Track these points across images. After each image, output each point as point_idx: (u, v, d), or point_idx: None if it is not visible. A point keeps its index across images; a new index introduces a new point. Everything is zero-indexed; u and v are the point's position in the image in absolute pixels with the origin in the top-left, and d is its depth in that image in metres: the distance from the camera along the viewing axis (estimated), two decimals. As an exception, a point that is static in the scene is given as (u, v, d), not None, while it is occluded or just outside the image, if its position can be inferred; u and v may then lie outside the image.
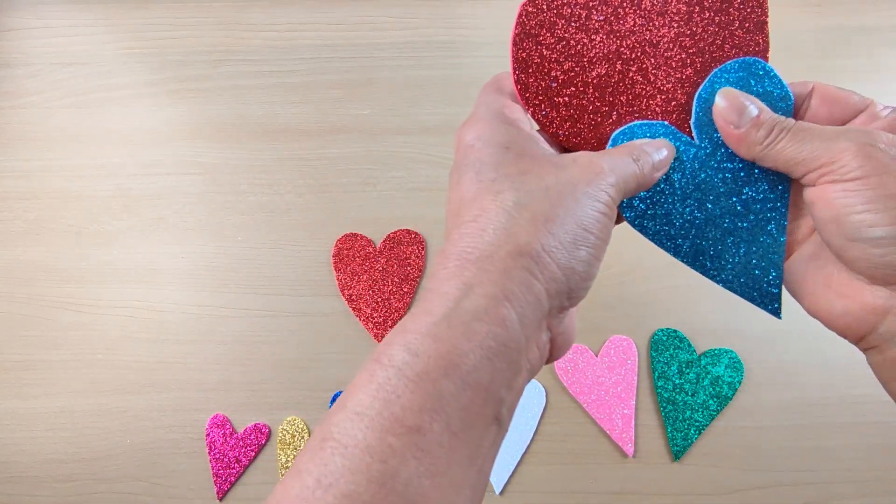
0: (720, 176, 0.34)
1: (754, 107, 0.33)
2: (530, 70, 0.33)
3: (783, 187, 0.34)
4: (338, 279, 0.66)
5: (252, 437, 0.62)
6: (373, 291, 0.65)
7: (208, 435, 0.62)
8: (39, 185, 0.70)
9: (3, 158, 0.71)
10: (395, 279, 0.66)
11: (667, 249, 0.36)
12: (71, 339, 0.66)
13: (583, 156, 0.31)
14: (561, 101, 0.33)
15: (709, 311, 0.64)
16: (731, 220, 0.34)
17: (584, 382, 0.62)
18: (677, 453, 0.60)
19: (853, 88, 0.68)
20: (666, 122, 0.34)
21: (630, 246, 0.66)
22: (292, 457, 0.61)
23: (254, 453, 0.62)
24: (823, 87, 0.34)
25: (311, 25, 0.75)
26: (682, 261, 0.36)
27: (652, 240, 0.35)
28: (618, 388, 0.62)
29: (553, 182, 0.29)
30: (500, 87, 0.34)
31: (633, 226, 0.35)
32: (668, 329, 0.63)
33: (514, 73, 0.33)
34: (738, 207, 0.34)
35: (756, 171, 0.34)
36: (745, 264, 0.35)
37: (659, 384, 0.61)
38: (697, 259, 0.36)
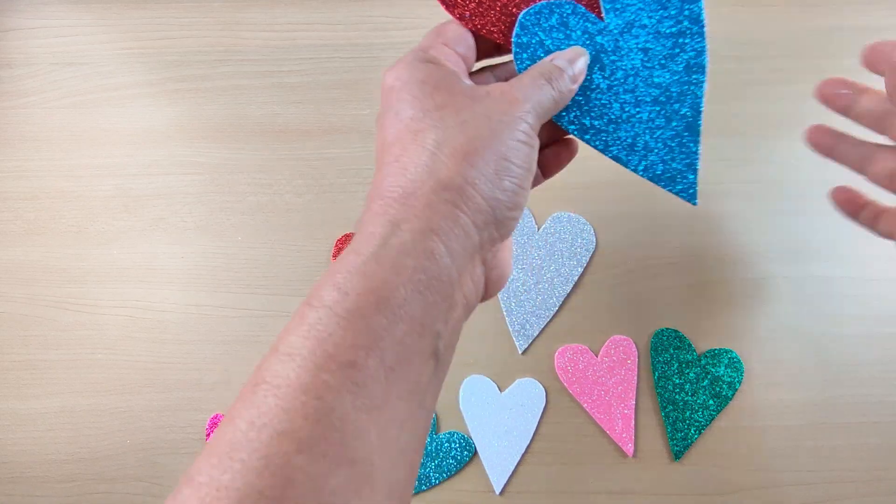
0: (635, 57, 0.34)
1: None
2: None
3: (696, 65, 0.33)
4: (338, 279, 0.66)
5: (252, 437, 0.62)
6: (373, 291, 0.65)
7: (208, 435, 0.62)
8: (39, 185, 0.70)
9: (3, 158, 0.71)
10: (395, 279, 0.66)
11: (594, 144, 0.35)
12: (71, 339, 0.66)
13: (497, 87, 0.31)
14: None
15: (709, 311, 0.64)
16: (647, 104, 0.34)
17: (584, 382, 0.62)
18: (677, 453, 0.60)
19: (853, 88, 0.65)
20: (575, 2, 0.33)
21: (630, 246, 0.66)
22: (292, 457, 0.61)
23: (254, 453, 0.62)
24: None
25: (311, 25, 0.75)
26: (606, 152, 0.35)
27: (579, 135, 0.35)
28: (618, 388, 0.62)
29: (469, 116, 0.29)
30: (438, 31, 0.34)
31: (563, 126, 0.35)
32: (668, 329, 0.63)
33: None
34: (653, 89, 0.34)
35: (670, 50, 0.33)
36: (662, 148, 0.35)
37: (659, 384, 0.61)
38: (615, 146, 0.35)
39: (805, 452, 0.60)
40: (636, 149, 0.35)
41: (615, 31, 0.34)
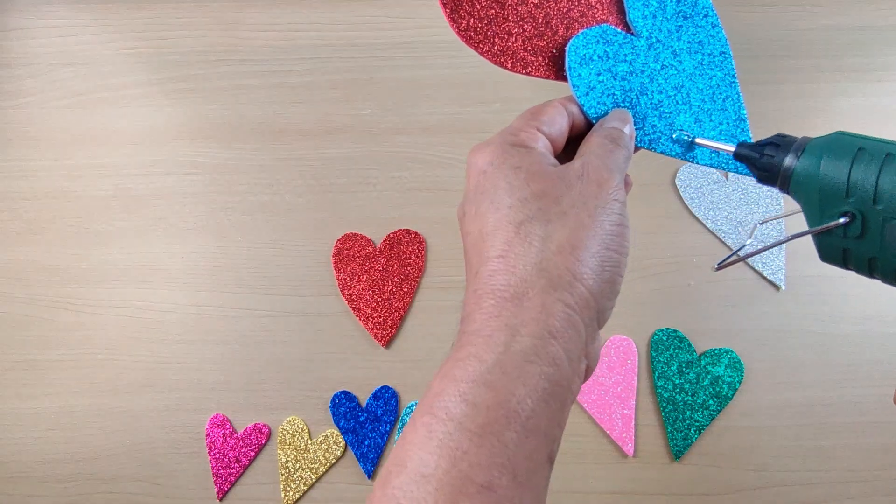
0: (674, 59, 0.36)
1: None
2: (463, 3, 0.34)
3: (728, 68, 0.37)
4: (338, 279, 0.66)
5: (252, 437, 0.62)
6: (373, 291, 0.65)
7: (208, 435, 0.62)
8: (39, 185, 0.70)
9: (3, 158, 0.71)
10: (395, 279, 0.66)
11: (660, 150, 0.37)
12: (71, 339, 0.66)
13: (580, 165, 0.31)
14: (495, 19, 0.35)
15: (709, 311, 0.64)
16: (693, 103, 0.36)
17: (584, 382, 0.62)
18: (677, 453, 0.60)
19: (853, 88, 0.68)
20: (608, 25, 0.36)
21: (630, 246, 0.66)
22: (292, 457, 0.61)
23: (254, 453, 0.62)
24: None
25: (311, 25, 0.75)
26: (670, 152, 0.36)
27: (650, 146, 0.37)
28: (618, 388, 0.62)
29: (568, 205, 0.29)
30: (532, 113, 0.34)
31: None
32: (668, 329, 0.63)
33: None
34: (698, 82, 0.37)
35: (700, 55, 0.36)
36: (716, 137, 0.37)
37: (659, 384, 0.61)
38: (676, 146, 0.37)
39: (805, 452, 0.60)
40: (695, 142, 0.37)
41: (648, 43, 0.36)
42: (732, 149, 0.34)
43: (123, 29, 0.75)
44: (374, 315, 0.65)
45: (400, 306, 0.65)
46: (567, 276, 0.28)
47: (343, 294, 0.65)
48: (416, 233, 0.67)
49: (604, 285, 0.29)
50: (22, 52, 0.75)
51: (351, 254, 0.66)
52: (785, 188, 0.31)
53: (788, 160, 0.31)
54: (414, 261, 0.66)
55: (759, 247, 0.38)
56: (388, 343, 0.64)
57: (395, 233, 0.67)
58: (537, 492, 0.26)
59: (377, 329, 0.64)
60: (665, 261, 0.66)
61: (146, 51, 0.75)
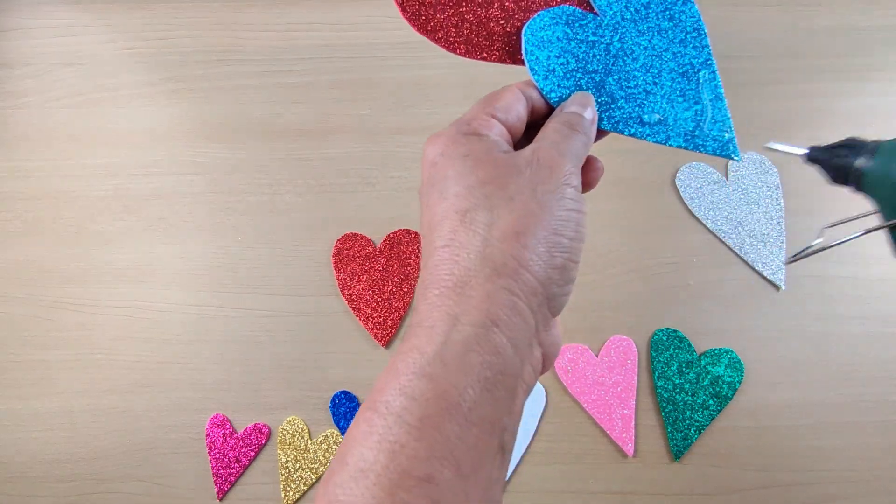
0: (641, 38, 0.35)
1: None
2: None
3: (702, 44, 0.35)
4: (338, 279, 0.66)
5: (252, 437, 0.62)
6: (373, 291, 0.65)
7: (208, 435, 0.62)
8: (39, 185, 0.70)
9: (3, 158, 0.71)
10: (395, 279, 0.66)
11: (628, 132, 0.36)
12: (71, 339, 0.66)
13: (532, 150, 0.31)
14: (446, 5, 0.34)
15: (709, 311, 0.64)
16: (667, 79, 0.35)
17: (584, 382, 0.62)
18: (677, 453, 0.60)
19: (853, 88, 0.68)
20: (567, 5, 0.34)
21: (630, 246, 0.66)
22: (292, 457, 0.61)
23: (254, 453, 0.62)
24: None
25: (310, 25, 0.75)
26: (642, 136, 0.36)
27: (611, 128, 0.35)
28: (618, 388, 0.62)
29: (515, 190, 0.29)
30: (487, 100, 0.33)
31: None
32: (668, 329, 0.63)
33: None
34: (668, 62, 0.35)
35: (670, 31, 0.35)
36: (691, 118, 0.35)
37: (659, 384, 0.61)
38: (640, 123, 0.36)
39: (805, 452, 0.60)
40: (667, 123, 0.35)
41: (613, 22, 0.35)
42: (804, 152, 0.34)
43: (123, 29, 0.75)
44: (374, 315, 0.65)
45: (400, 306, 0.65)
46: (511, 264, 0.27)
47: (343, 294, 0.65)
48: (416, 233, 0.67)
49: (552, 271, 0.28)
50: (22, 52, 0.75)
51: (351, 254, 0.66)
52: (859, 188, 0.32)
53: (861, 161, 0.31)
54: (414, 261, 0.66)
55: (832, 243, 0.38)
56: (388, 343, 0.64)
57: (395, 233, 0.67)
58: (487, 483, 0.26)
59: (377, 329, 0.64)
60: (665, 261, 0.66)
61: (146, 51, 0.75)
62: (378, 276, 0.66)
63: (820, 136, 0.69)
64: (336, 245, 0.67)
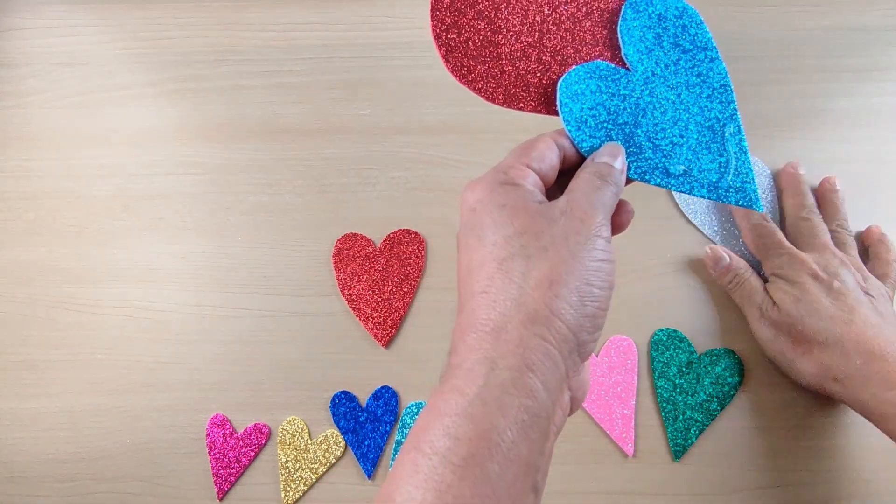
0: (670, 93, 0.37)
1: (726, 259, 0.56)
2: (452, 35, 0.36)
3: (728, 100, 0.38)
4: (338, 279, 0.66)
5: (252, 437, 0.62)
6: (373, 291, 0.65)
7: (208, 435, 0.62)
8: (39, 185, 0.70)
9: (3, 158, 0.71)
10: (395, 279, 0.66)
11: (655, 182, 0.38)
12: (71, 339, 0.66)
13: (565, 201, 0.32)
14: (488, 57, 0.36)
15: (709, 311, 0.64)
16: (693, 132, 0.37)
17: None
18: (677, 453, 0.60)
19: (852, 88, 0.68)
20: (601, 60, 0.36)
21: (629, 246, 0.66)
22: (292, 457, 0.61)
23: (254, 453, 0.62)
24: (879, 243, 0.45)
25: (310, 25, 0.75)
26: (671, 186, 0.37)
27: (642, 179, 0.37)
28: (618, 388, 0.62)
29: (549, 241, 0.30)
30: (523, 149, 0.35)
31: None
32: (668, 329, 0.63)
33: (437, 36, 0.36)
34: (696, 117, 0.37)
35: (697, 87, 0.37)
36: (715, 170, 0.37)
37: (659, 384, 0.61)
38: (675, 177, 0.38)
39: (805, 453, 0.60)
40: (692, 174, 0.37)
41: (644, 77, 0.36)
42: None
43: (123, 29, 0.75)
44: (374, 315, 0.65)
45: (400, 306, 0.65)
46: (544, 311, 0.29)
47: (343, 294, 0.65)
48: (416, 233, 0.67)
49: (583, 320, 0.30)
50: (22, 52, 0.75)
51: (351, 254, 0.66)
52: None
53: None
54: (414, 261, 0.66)
55: None
56: (388, 343, 0.64)
57: (395, 233, 0.67)
58: None
59: (377, 329, 0.64)
60: (665, 261, 0.66)
61: (146, 51, 0.75)
62: (378, 276, 0.66)
63: (819, 136, 0.69)
64: (336, 245, 0.67)
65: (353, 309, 0.65)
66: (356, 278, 0.66)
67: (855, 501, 0.59)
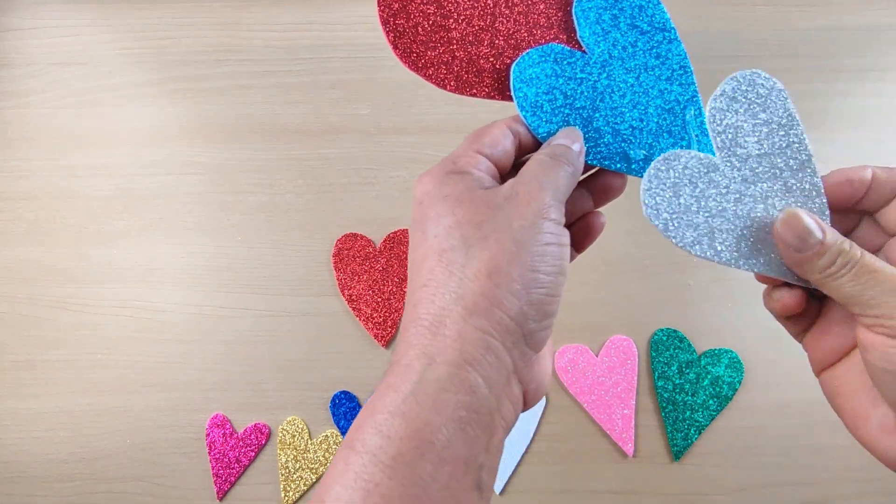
0: (628, 76, 0.35)
1: (818, 229, 0.30)
2: (400, 18, 0.34)
3: (688, 81, 0.36)
4: (338, 279, 0.66)
5: (252, 437, 0.62)
6: (373, 291, 0.65)
7: (208, 435, 0.62)
8: (39, 185, 0.70)
9: (3, 158, 0.71)
10: (395, 279, 0.66)
11: (617, 168, 0.36)
12: (71, 339, 0.66)
13: (511, 185, 0.31)
14: (436, 39, 0.35)
15: (709, 311, 0.64)
16: (654, 117, 0.36)
17: (584, 382, 0.62)
18: (677, 453, 0.60)
19: (852, 88, 0.68)
20: (556, 43, 0.35)
21: (629, 246, 0.66)
22: (292, 457, 0.61)
23: (254, 453, 0.62)
24: (879, 170, 0.32)
25: (310, 25, 0.75)
26: (631, 172, 0.36)
27: (598, 162, 0.36)
28: (618, 388, 0.62)
29: (490, 229, 0.29)
30: (475, 136, 0.33)
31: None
32: (668, 329, 0.63)
33: (384, 22, 0.34)
34: (655, 100, 0.36)
35: (657, 69, 0.35)
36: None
37: (659, 384, 0.61)
38: (635, 162, 0.36)
39: (805, 452, 0.60)
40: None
41: (601, 60, 0.35)
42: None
43: (123, 29, 0.75)
44: (374, 315, 0.65)
45: (400, 306, 0.65)
46: (483, 303, 0.28)
47: (343, 294, 0.65)
48: (415, 233, 0.67)
49: (528, 308, 0.28)
50: (22, 52, 0.75)
51: (351, 254, 0.66)
52: None
53: None
54: (414, 261, 0.66)
55: None
56: (388, 343, 0.64)
57: (395, 233, 0.67)
58: None
59: (377, 329, 0.64)
60: (665, 261, 0.66)
61: (146, 51, 0.75)
62: (378, 276, 0.66)
63: (819, 136, 0.69)
64: (336, 245, 0.67)
65: (353, 309, 0.65)
66: (356, 278, 0.66)
67: (854, 501, 0.59)
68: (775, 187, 0.34)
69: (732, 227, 0.35)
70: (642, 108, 0.35)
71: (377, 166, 0.70)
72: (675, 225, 0.34)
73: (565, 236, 0.30)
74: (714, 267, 0.65)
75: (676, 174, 0.34)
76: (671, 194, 0.34)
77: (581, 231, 0.38)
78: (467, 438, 0.26)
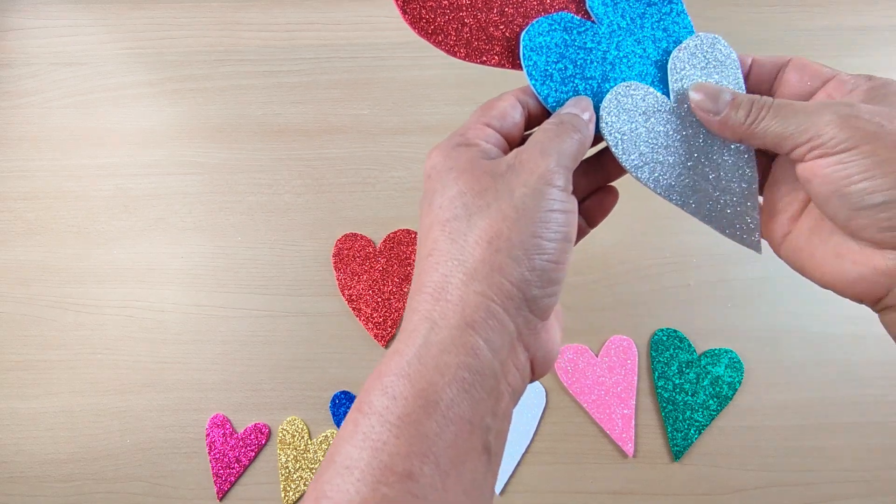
0: (637, 47, 0.36)
1: (727, 92, 0.33)
2: None
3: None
4: (338, 279, 0.66)
5: (252, 437, 0.62)
6: (373, 291, 0.65)
7: (208, 435, 0.62)
8: (39, 185, 0.70)
9: (3, 158, 0.71)
10: (395, 279, 0.66)
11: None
12: (71, 339, 0.66)
13: (515, 154, 0.31)
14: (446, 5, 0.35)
15: (709, 311, 0.64)
16: (656, 87, 0.36)
17: (584, 382, 0.62)
18: (677, 453, 0.60)
19: (853, 88, 0.65)
20: (566, 12, 0.35)
21: (630, 246, 0.66)
22: (292, 457, 0.61)
23: (254, 453, 0.62)
24: (798, 58, 0.36)
25: (310, 25, 0.75)
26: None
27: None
28: (618, 388, 0.62)
29: (492, 197, 0.29)
30: (483, 109, 0.34)
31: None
32: (668, 329, 0.63)
33: None
34: (658, 80, 0.36)
35: (664, 41, 0.36)
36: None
37: (659, 384, 0.61)
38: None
39: (805, 452, 0.60)
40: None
41: (610, 30, 0.35)
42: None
43: (123, 29, 0.75)
44: (374, 315, 0.65)
45: (400, 306, 0.65)
46: (483, 268, 0.28)
47: (343, 294, 0.65)
48: (416, 233, 0.67)
49: (529, 274, 0.28)
50: (22, 52, 0.75)
51: (351, 254, 0.66)
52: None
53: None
54: (414, 261, 0.66)
55: None
56: (388, 343, 0.64)
57: (395, 233, 0.67)
58: (470, 482, 0.26)
59: (377, 329, 0.64)
60: (665, 261, 0.66)
61: (146, 51, 0.75)
62: (378, 276, 0.66)
63: (820, 136, 0.69)
64: (336, 245, 0.67)
65: (353, 309, 0.65)
66: (356, 278, 0.66)
67: (855, 501, 0.59)
68: (717, 140, 0.35)
69: (673, 164, 0.36)
70: (650, 79, 0.36)
71: (377, 166, 0.70)
72: (624, 146, 0.35)
73: (571, 203, 0.30)
74: (714, 267, 0.65)
75: (633, 102, 0.35)
76: (626, 118, 0.35)
77: (594, 205, 0.38)
78: (472, 400, 0.27)
